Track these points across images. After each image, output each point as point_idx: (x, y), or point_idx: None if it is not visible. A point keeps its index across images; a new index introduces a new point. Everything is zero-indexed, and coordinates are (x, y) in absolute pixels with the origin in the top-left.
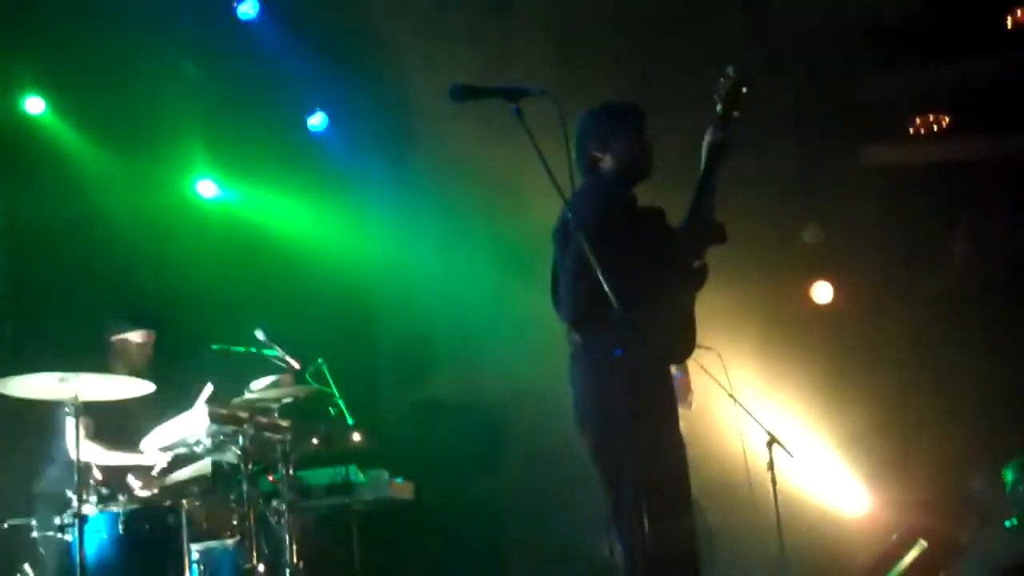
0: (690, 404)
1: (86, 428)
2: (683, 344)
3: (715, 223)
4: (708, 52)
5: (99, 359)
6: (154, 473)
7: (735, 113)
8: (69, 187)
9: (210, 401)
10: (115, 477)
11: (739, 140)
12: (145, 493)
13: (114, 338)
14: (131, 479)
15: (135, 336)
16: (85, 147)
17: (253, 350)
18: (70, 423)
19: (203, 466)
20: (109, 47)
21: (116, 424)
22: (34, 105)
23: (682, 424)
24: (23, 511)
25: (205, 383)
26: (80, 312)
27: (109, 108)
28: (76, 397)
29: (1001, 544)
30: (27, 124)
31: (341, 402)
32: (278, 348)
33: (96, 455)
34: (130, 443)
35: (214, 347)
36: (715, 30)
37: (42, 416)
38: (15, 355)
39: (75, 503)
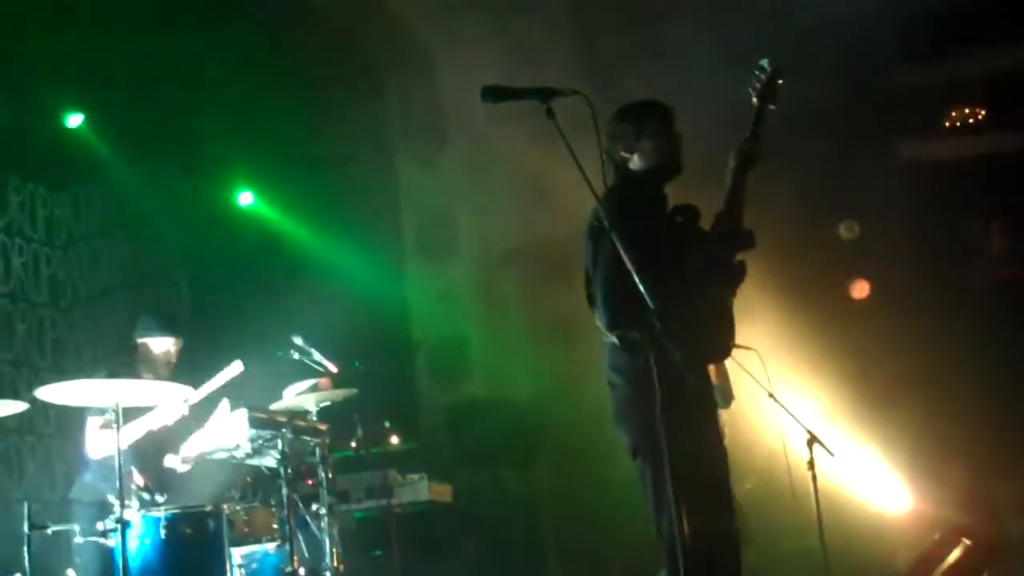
0: (729, 402)
1: (102, 421)
2: (721, 342)
3: (743, 229)
4: (739, 48)
5: (123, 358)
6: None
7: (771, 106)
8: (107, 197)
9: (246, 402)
10: (158, 484)
11: (773, 134)
12: (186, 467)
13: (140, 340)
14: (170, 459)
15: (161, 343)
16: (121, 158)
17: (292, 354)
18: (91, 420)
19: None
20: (148, 58)
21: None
22: (73, 120)
23: (723, 421)
24: (67, 518)
25: (230, 396)
26: (118, 317)
27: (145, 119)
28: (117, 404)
29: None
30: (64, 131)
31: (379, 405)
32: (315, 352)
33: (111, 444)
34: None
35: (278, 353)
36: (746, 26)
37: (78, 422)
38: (55, 361)
39: (117, 507)
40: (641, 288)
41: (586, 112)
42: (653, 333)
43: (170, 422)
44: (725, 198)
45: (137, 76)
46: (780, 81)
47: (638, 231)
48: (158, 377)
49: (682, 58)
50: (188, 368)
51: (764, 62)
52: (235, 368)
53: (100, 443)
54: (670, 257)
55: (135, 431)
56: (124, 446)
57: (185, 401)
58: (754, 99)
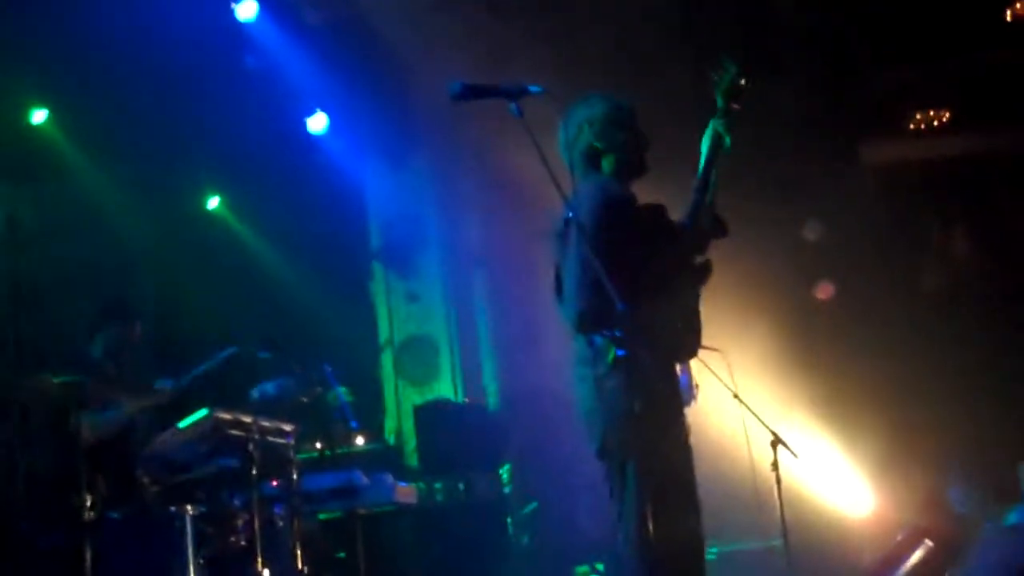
0: (694, 399)
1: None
2: (688, 342)
3: (716, 217)
4: (707, 49)
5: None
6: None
7: (735, 106)
8: (70, 195)
9: (212, 403)
10: (121, 485)
11: (738, 137)
12: (156, 488)
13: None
14: (141, 473)
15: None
16: (86, 157)
17: (257, 354)
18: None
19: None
20: (112, 59)
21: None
22: (37, 116)
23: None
24: (30, 519)
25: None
26: (81, 316)
27: (110, 118)
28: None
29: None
30: (32, 127)
31: (345, 406)
32: (282, 352)
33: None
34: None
35: (243, 352)
36: (713, 27)
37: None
38: (16, 359)
39: (80, 509)
40: (609, 288)
41: (555, 110)
42: (621, 333)
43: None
44: (696, 186)
45: (105, 74)
46: (743, 81)
47: (608, 232)
48: (121, 370)
49: (652, 59)
50: (153, 365)
51: (727, 61)
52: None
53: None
54: (638, 257)
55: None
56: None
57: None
58: (718, 99)
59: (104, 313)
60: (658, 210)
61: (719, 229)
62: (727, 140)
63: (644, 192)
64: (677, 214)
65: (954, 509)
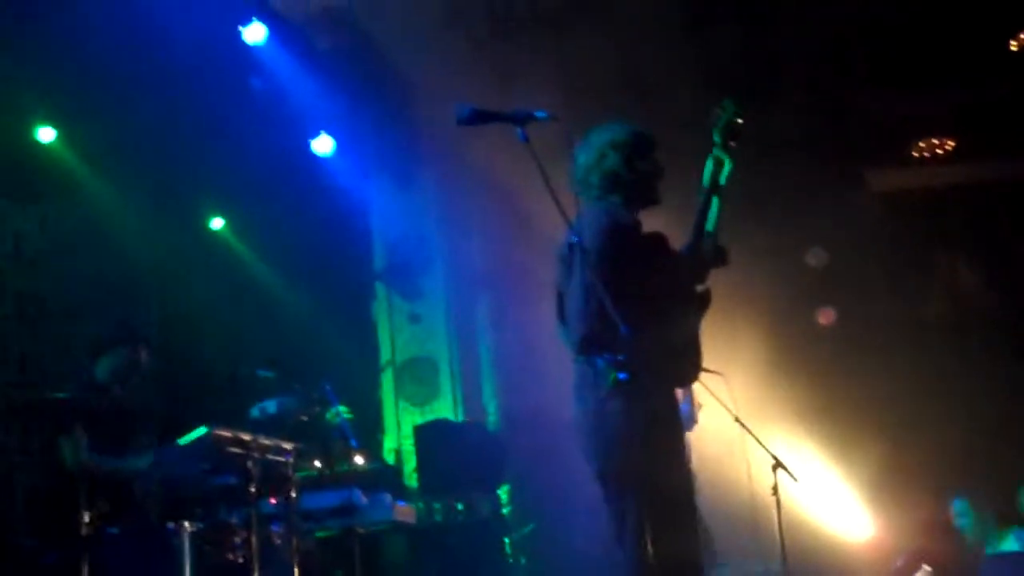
0: (692, 425)
1: (80, 442)
2: (689, 367)
3: (718, 247)
4: (712, 76)
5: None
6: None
7: (732, 144)
8: (76, 214)
9: (214, 422)
10: (120, 501)
11: (742, 162)
12: (154, 504)
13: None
14: (139, 491)
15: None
16: (92, 176)
17: (258, 373)
18: (68, 441)
19: None
20: (119, 78)
21: (113, 438)
22: (45, 134)
23: (688, 443)
24: (28, 531)
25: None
26: (85, 333)
27: (117, 139)
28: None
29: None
30: (39, 148)
31: (345, 425)
32: (283, 371)
33: (91, 469)
34: (126, 454)
35: (244, 371)
36: (719, 55)
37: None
38: (19, 376)
39: (78, 524)
40: (612, 313)
41: (561, 136)
42: (623, 358)
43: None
44: (697, 216)
45: (112, 93)
46: (740, 120)
47: (612, 257)
48: (127, 394)
49: (654, 85)
50: (157, 385)
51: (725, 101)
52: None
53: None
54: (641, 283)
55: (111, 471)
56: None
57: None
58: (716, 137)
59: (111, 336)
60: (659, 239)
61: (720, 258)
62: (726, 169)
63: (647, 218)
64: (679, 241)
65: (954, 522)
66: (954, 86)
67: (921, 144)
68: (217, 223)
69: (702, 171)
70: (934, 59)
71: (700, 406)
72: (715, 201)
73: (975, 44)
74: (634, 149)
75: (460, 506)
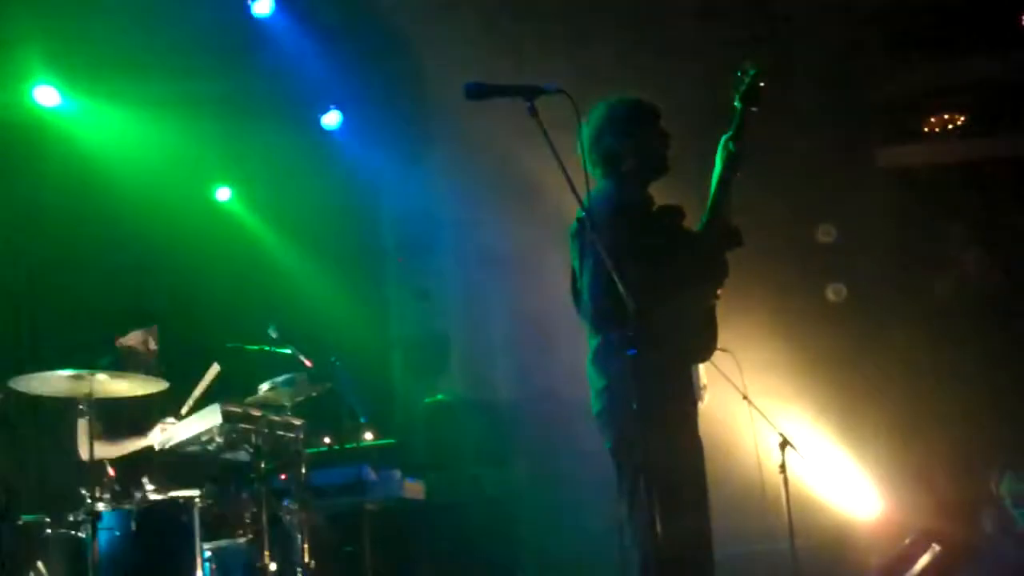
0: (702, 399)
1: (96, 429)
2: (703, 343)
3: (731, 227)
4: (722, 50)
5: (113, 361)
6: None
7: (753, 108)
8: (83, 186)
9: (222, 395)
10: (130, 477)
11: (753, 145)
12: (159, 496)
13: (121, 343)
14: (146, 481)
15: (137, 336)
16: (101, 143)
17: (267, 348)
18: (82, 423)
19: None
20: (126, 45)
21: (127, 423)
22: (49, 97)
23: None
24: (38, 509)
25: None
26: (94, 308)
27: (124, 106)
28: (91, 394)
29: (1016, 548)
30: (42, 117)
31: (354, 401)
32: (291, 346)
33: (106, 452)
34: (138, 436)
35: (228, 345)
36: (729, 29)
37: (55, 414)
38: (31, 351)
39: (88, 500)
40: (624, 289)
41: (572, 111)
42: (637, 334)
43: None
44: (711, 198)
45: (120, 65)
46: (762, 84)
47: (623, 232)
48: (148, 372)
49: (667, 59)
50: (167, 360)
51: (747, 63)
52: (213, 371)
53: (103, 450)
54: (655, 258)
55: (122, 449)
56: (112, 456)
57: (172, 423)
58: (736, 102)
59: (125, 317)
60: (675, 211)
61: (734, 239)
62: (742, 153)
63: (660, 197)
64: (693, 222)
65: (999, 502)
66: (966, 62)
67: (932, 119)
68: (225, 194)
69: (715, 147)
70: (946, 34)
71: (706, 387)
72: (728, 185)
73: (987, 19)
74: (631, 122)
75: (469, 483)
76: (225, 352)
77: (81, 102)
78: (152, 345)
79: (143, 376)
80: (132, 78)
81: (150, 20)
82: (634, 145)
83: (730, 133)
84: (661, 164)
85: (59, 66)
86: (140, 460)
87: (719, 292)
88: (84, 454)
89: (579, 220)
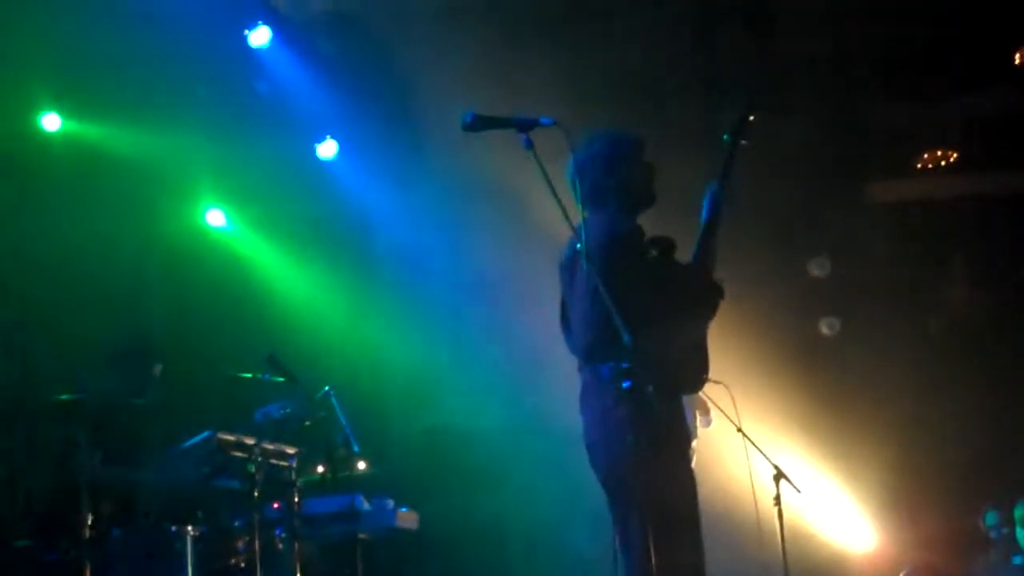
0: (708, 423)
1: (95, 456)
2: (694, 375)
3: (713, 280)
4: (717, 86)
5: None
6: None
7: (743, 142)
8: (80, 211)
9: (217, 426)
10: (123, 504)
11: (745, 172)
12: (157, 507)
13: (156, 369)
14: (142, 493)
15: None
16: (97, 169)
17: (260, 376)
18: (81, 449)
19: None
20: (123, 71)
21: (124, 452)
22: (50, 122)
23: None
24: (28, 534)
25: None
26: (90, 336)
27: (121, 131)
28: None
29: None
30: (40, 144)
31: (348, 430)
32: (285, 375)
33: (102, 480)
34: (135, 464)
35: (222, 373)
36: (724, 64)
37: (51, 439)
38: (23, 378)
39: (80, 526)
40: (616, 320)
41: (567, 142)
42: (627, 365)
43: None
44: (697, 245)
45: (116, 96)
46: (752, 118)
47: (615, 264)
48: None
49: (660, 91)
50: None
51: (741, 101)
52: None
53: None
54: (646, 289)
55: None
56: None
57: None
58: (725, 136)
59: (126, 348)
60: (666, 243)
61: (716, 292)
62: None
63: (651, 225)
64: (684, 247)
65: (987, 535)
66: (958, 98)
67: (925, 155)
68: (217, 218)
69: (704, 177)
70: (938, 71)
71: (709, 411)
72: (714, 235)
73: (979, 56)
74: (613, 158)
75: (463, 512)
76: (219, 380)
77: (83, 128)
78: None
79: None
80: (129, 105)
81: (148, 49)
82: (617, 180)
83: (718, 177)
84: (646, 196)
85: (61, 92)
86: (135, 489)
87: (709, 324)
88: (81, 480)
89: (569, 251)
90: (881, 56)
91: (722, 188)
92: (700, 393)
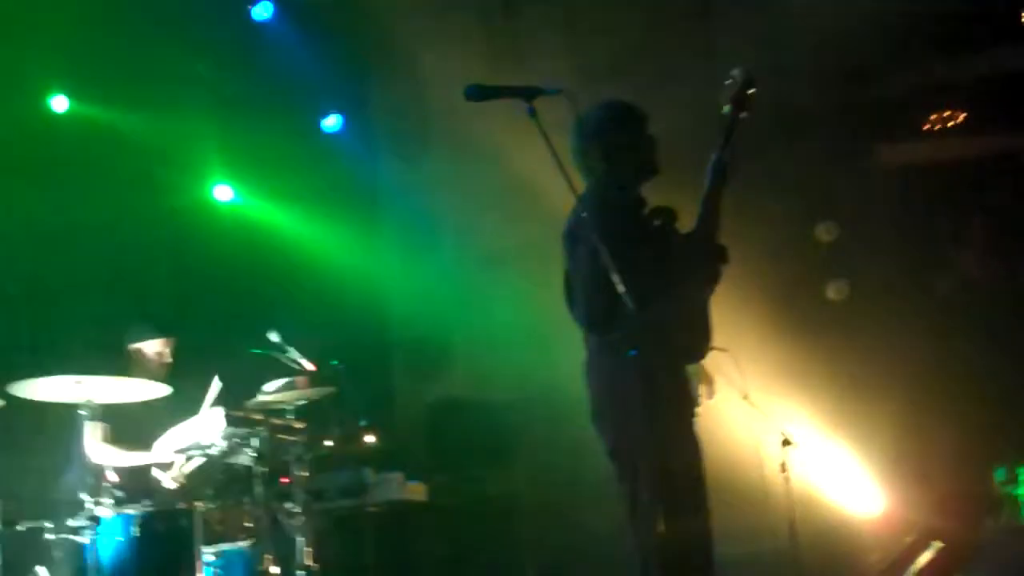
0: (712, 394)
1: (103, 433)
2: (698, 343)
3: (718, 244)
4: (721, 51)
5: (116, 364)
6: (173, 475)
7: (743, 114)
8: (87, 189)
9: (223, 402)
10: (136, 477)
11: (741, 155)
12: (173, 485)
13: (132, 347)
14: (157, 473)
15: (154, 345)
16: (104, 148)
17: (268, 351)
18: (90, 427)
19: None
20: (130, 49)
21: (133, 428)
22: (59, 104)
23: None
24: (39, 515)
25: (214, 381)
26: (95, 314)
27: (128, 109)
28: (90, 400)
29: (1017, 544)
30: (49, 124)
31: (356, 403)
32: (293, 350)
33: (113, 459)
34: (147, 446)
35: (230, 348)
36: (728, 29)
37: (60, 420)
38: (31, 358)
39: (89, 505)
40: (620, 290)
41: (571, 111)
42: (632, 334)
43: (167, 459)
44: (700, 215)
45: (124, 71)
46: (751, 90)
47: (617, 233)
48: (155, 380)
49: (665, 61)
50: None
51: (736, 71)
52: (215, 388)
53: (103, 455)
54: (649, 259)
55: (134, 460)
56: (117, 463)
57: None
58: (725, 108)
59: (140, 331)
60: (668, 213)
61: (720, 256)
62: (726, 169)
63: (658, 196)
64: (689, 219)
65: (997, 494)
66: (966, 58)
67: (932, 117)
68: (225, 193)
69: (710, 147)
70: (945, 31)
71: (714, 381)
72: (718, 188)
73: (987, 15)
74: (611, 129)
75: (471, 484)
76: (227, 355)
77: (90, 109)
78: (167, 358)
79: (143, 380)
80: (135, 81)
81: (153, 29)
82: (616, 150)
83: (719, 144)
84: (647, 167)
85: (68, 74)
86: (145, 469)
87: (711, 292)
88: (92, 458)
89: (571, 221)
90: (886, 17)
91: (722, 157)
92: (704, 364)
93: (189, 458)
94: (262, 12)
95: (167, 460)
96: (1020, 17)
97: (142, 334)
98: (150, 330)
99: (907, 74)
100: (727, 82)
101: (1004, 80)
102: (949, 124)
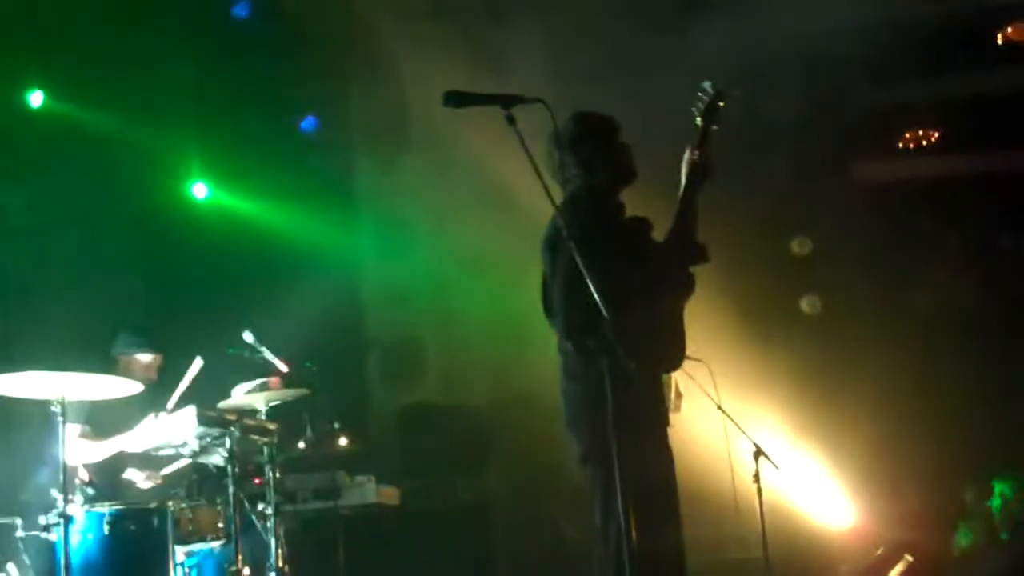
0: (678, 408)
1: (80, 432)
2: (672, 353)
3: (697, 243)
4: (700, 66)
5: (94, 363)
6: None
7: (714, 127)
8: (62, 185)
9: (197, 400)
10: (108, 475)
11: (721, 158)
12: (149, 484)
13: (120, 355)
14: (131, 474)
15: (142, 357)
16: (81, 144)
17: (242, 352)
18: (63, 430)
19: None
20: (107, 46)
21: (109, 423)
22: (35, 99)
23: (670, 433)
24: (9, 511)
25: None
26: (69, 310)
27: (105, 106)
28: (63, 396)
29: (990, 559)
30: (24, 119)
31: (329, 406)
32: (266, 351)
33: (87, 453)
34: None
35: (204, 348)
36: (708, 44)
37: (30, 418)
38: (2, 353)
39: (60, 503)
40: (597, 298)
41: (548, 120)
42: (607, 342)
43: (150, 444)
44: (677, 213)
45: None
46: (721, 103)
47: (594, 241)
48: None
49: (645, 74)
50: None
51: (707, 84)
52: (197, 364)
53: (81, 453)
54: (625, 267)
55: (109, 448)
56: (98, 458)
57: (157, 416)
58: (697, 119)
59: (131, 338)
60: (643, 223)
61: (700, 255)
62: (705, 168)
63: (634, 204)
64: (663, 230)
65: (972, 510)
66: (940, 78)
67: (907, 135)
68: (201, 191)
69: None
70: (922, 51)
71: (681, 396)
72: (694, 199)
73: (963, 37)
74: (582, 139)
75: (444, 489)
76: (201, 354)
77: (67, 105)
78: (153, 373)
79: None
80: (112, 78)
81: (130, 24)
82: (592, 161)
83: (690, 151)
84: (624, 174)
85: (45, 68)
86: (116, 463)
87: (684, 303)
88: (70, 458)
89: (549, 230)
90: (865, 36)
91: (697, 162)
92: (676, 377)
93: (167, 462)
94: (242, 10)
95: (138, 449)
96: (995, 39)
97: (136, 346)
98: (145, 344)
99: (883, 93)
100: (699, 94)
101: (979, 100)
102: (924, 143)
